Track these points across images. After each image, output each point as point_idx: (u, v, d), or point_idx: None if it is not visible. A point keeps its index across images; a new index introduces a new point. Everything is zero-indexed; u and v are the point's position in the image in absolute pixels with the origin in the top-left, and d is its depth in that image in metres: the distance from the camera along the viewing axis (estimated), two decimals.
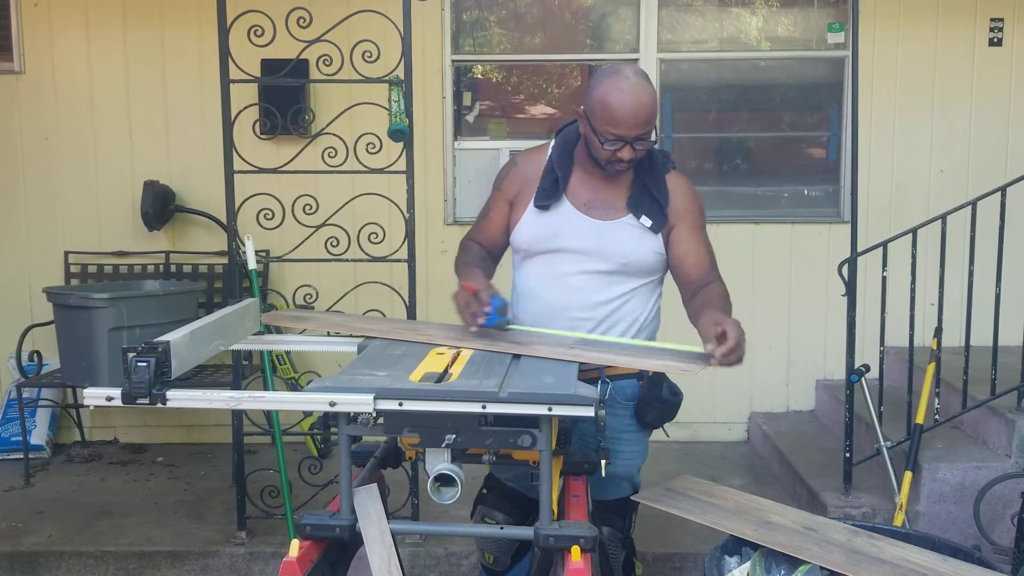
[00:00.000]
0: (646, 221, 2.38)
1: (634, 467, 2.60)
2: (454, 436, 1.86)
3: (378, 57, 3.47)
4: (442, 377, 1.95)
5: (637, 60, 4.84)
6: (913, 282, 3.68)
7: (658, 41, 4.85)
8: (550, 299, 2.44)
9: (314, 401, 1.82)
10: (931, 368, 3.71)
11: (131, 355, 1.79)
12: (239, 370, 3.75)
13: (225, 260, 4.73)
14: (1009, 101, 4.78)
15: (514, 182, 2.49)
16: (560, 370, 2.05)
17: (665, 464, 4.61)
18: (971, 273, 3.65)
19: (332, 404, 1.81)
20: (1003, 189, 3.62)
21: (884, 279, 3.71)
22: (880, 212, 4.67)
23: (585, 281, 2.41)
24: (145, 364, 1.78)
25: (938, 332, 3.75)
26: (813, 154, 5.12)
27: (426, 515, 3.61)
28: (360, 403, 1.81)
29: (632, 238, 2.39)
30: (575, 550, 1.87)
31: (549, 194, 2.41)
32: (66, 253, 4.84)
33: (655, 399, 2.47)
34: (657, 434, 4.83)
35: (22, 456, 4.42)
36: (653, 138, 2.31)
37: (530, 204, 2.44)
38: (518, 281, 2.55)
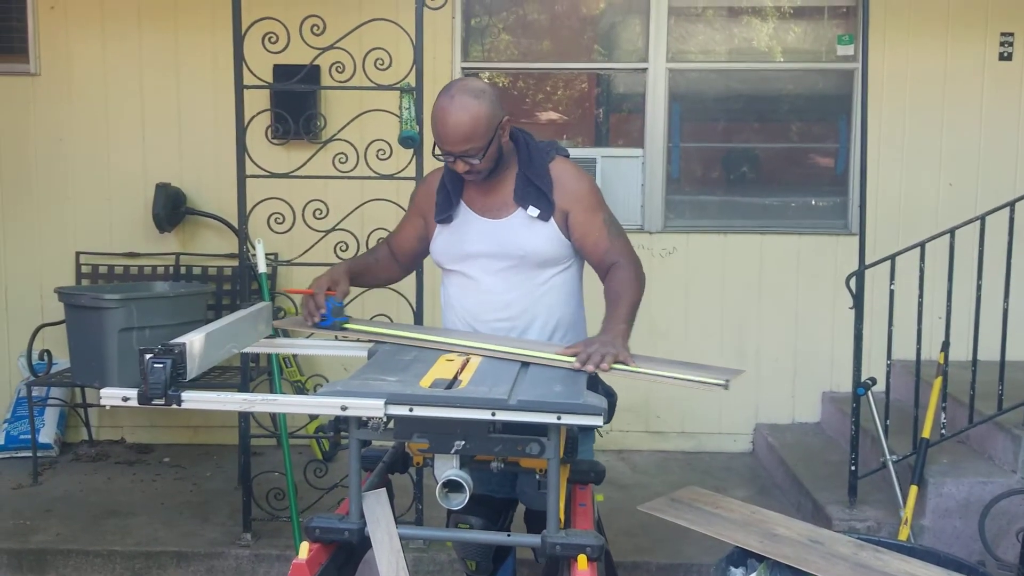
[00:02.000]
0: (533, 211, 2.42)
1: None
2: (463, 442, 1.87)
3: (390, 64, 3.49)
4: (452, 383, 1.97)
5: (646, 70, 4.87)
6: (921, 295, 3.69)
7: (667, 51, 4.87)
8: (468, 306, 2.50)
9: (326, 405, 1.84)
10: (938, 382, 3.71)
11: (148, 356, 1.81)
12: (247, 372, 3.78)
13: (234, 262, 4.77)
14: (1019, 115, 4.79)
15: (424, 199, 2.61)
16: (569, 378, 2.06)
17: (670, 474, 4.62)
18: (979, 287, 3.65)
19: (344, 408, 1.83)
20: (1012, 204, 3.63)
21: (892, 292, 3.71)
22: (888, 224, 4.67)
23: (493, 283, 2.46)
24: (161, 365, 1.80)
25: (945, 346, 3.75)
26: (821, 165, 5.13)
27: (430, 520, 3.62)
28: (371, 408, 1.83)
29: (525, 230, 2.43)
30: (582, 559, 1.88)
31: (444, 208, 2.51)
32: (77, 253, 4.87)
33: None
34: (666, 444, 4.86)
35: (31, 454, 4.45)
36: (482, 154, 2.30)
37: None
38: (442, 294, 2.62)
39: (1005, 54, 4.78)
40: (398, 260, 2.71)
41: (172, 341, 1.88)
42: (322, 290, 2.41)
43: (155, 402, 1.81)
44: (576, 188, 2.45)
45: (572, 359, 2.18)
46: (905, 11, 4.75)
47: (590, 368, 2.13)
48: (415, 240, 2.64)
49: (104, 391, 1.84)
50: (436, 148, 2.37)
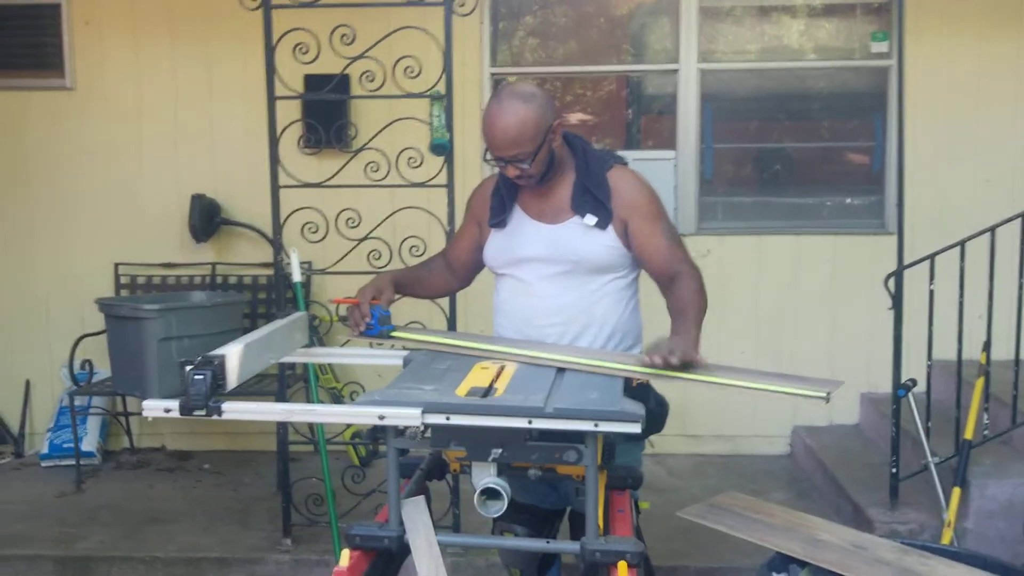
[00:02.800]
0: (591, 219, 2.40)
1: None
2: (500, 450, 1.87)
3: (419, 72, 3.51)
4: (488, 392, 1.97)
5: (677, 71, 4.85)
6: (961, 295, 3.63)
7: (698, 51, 4.85)
8: (517, 310, 2.49)
9: (364, 415, 1.85)
10: (980, 382, 3.65)
11: (188, 368, 1.84)
12: (284, 380, 3.81)
13: (268, 271, 4.80)
14: None
15: (479, 204, 2.61)
16: (606, 385, 2.05)
17: (707, 478, 4.59)
18: (1021, 286, 3.59)
19: (381, 417, 1.84)
20: None
21: (932, 292, 3.66)
22: (925, 223, 4.60)
23: (545, 287, 2.45)
24: (202, 377, 1.83)
25: (987, 346, 3.69)
26: (856, 164, 5.07)
27: (467, 525, 3.63)
28: (408, 417, 1.83)
29: (580, 237, 2.42)
30: (622, 566, 1.87)
31: (498, 212, 2.51)
32: (116, 264, 4.94)
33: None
34: (702, 447, 4.84)
35: (74, 462, 4.52)
36: (532, 158, 2.29)
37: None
38: (495, 298, 2.61)
39: None
40: (454, 271, 2.70)
41: (212, 353, 1.90)
42: (367, 299, 2.42)
43: (196, 413, 1.84)
44: (635, 197, 2.43)
45: (621, 365, 2.16)
46: (938, 7, 4.69)
47: (658, 361, 2.08)
48: (471, 250, 2.63)
49: (146, 403, 1.87)
50: (487, 153, 2.37)
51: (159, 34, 4.88)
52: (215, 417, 1.84)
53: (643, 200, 2.44)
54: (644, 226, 2.42)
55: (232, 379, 1.93)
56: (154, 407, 1.86)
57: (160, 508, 4.21)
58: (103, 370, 4.58)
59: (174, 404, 1.84)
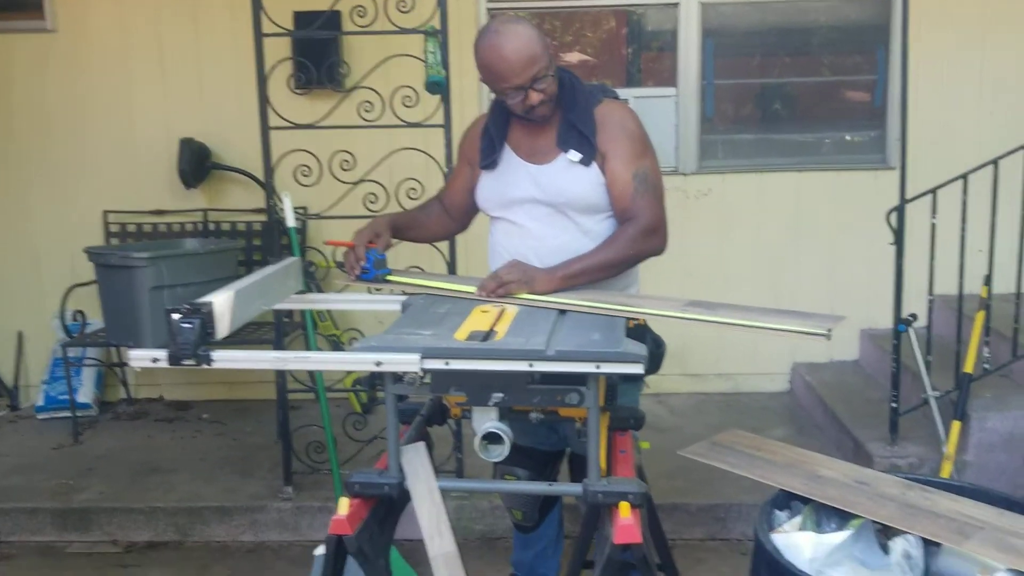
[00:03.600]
0: (574, 156, 2.35)
1: None
2: (501, 394, 1.84)
3: (412, 7, 3.41)
4: (488, 335, 1.93)
5: (677, 5, 4.72)
6: (963, 229, 3.59)
7: None
8: (513, 251, 2.44)
9: (360, 361, 1.81)
10: (980, 316, 3.63)
11: (175, 316, 1.79)
12: (281, 328, 3.77)
13: (262, 217, 4.74)
14: None
15: (470, 146, 2.56)
16: (607, 326, 2.02)
17: (708, 416, 4.60)
18: (1023, 218, 3.55)
19: (378, 364, 1.80)
20: None
21: (933, 226, 3.61)
22: (927, 157, 4.50)
23: (540, 227, 2.41)
24: (190, 326, 1.78)
25: (988, 280, 3.66)
26: (858, 99, 4.98)
27: (470, 468, 3.63)
28: (406, 363, 1.80)
29: (568, 175, 2.37)
30: (624, 506, 1.86)
31: (487, 153, 2.46)
32: (105, 212, 4.87)
33: None
34: (703, 386, 4.83)
35: (70, 414, 4.50)
36: (550, 72, 2.27)
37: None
38: (490, 241, 2.57)
39: None
40: (451, 214, 2.66)
41: (199, 300, 1.85)
42: (363, 243, 2.37)
43: (185, 362, 1.80)
44: (616, 133, 2.36)
45: (614, 306, 2.13)
46: None
47: (481, 294, 2.20)
48: (466, 192, 2.57)
49: (133, 353, 1.83)
50: (498, 93, 2.30)
51: None
52: (205, 367, 1.80)
53: (624, 136, 2.37)
54: (616, 164, 2.35)
55: (222, 327, 1.89)
56: (142, 357, 1.81)
57: (159, 458, 4.20)
58: (96, 320, 4.54)
59: (162, 354, 1.80)
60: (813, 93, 5.01)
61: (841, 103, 5.00)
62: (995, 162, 3.56)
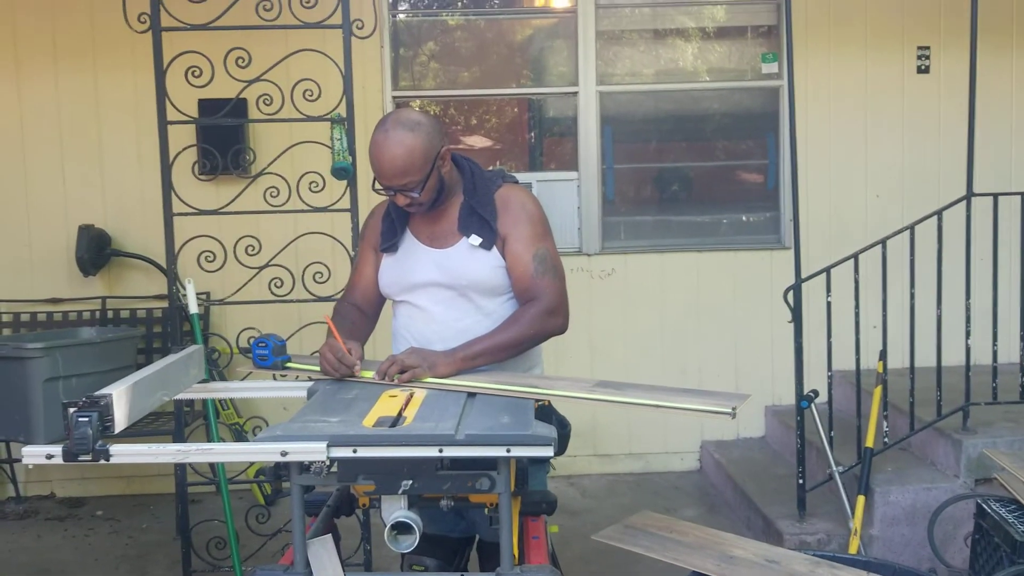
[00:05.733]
0: (475, 240, 2.38)
1: None
2: (411, 482, 1.80)
3: (319, 95, 3.43)
4: (396, 421, 1.90)
5: (576, 93, 4.89)
6: (857, 306, 3.73)
7: (596, 74, 4.91)
8: (417, 335, 2.44)
9: (265, 452, 1.76)
10: (878, 391, 3.76)
11: (71, 410, 1.71)
12: (181, 418, 3.64)
13: (164, 304, 4.62)
14: (939, 126, 4.92)
15: (372, 232, 2.54)
16: (516, 408, 2.01)
17: (620, 496, 4.60)
18: (912, 296, 3.71)
19: (284, 454, 1.75)
20: (939, 213, 3.71)
21: (829, 304, 3.75)
22: (819, 237, 4.75)
23: (443, 311, 2.41)
24: (87, 419, 1.70)
25: (883, 355, 3.80)
26: (752, 182, 5.20)
27: (379, 560, 3.52)
28: (313, 451, 1.75)
29: (470, 259, 2.39)
30: None
31: (388, 236, 2.46)
32: None
33: None
34: (615, 466, 4.83)
35: None
36: (421, 187, 2.27)
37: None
38: (393, 324, 2.56)
39: (923, 67, 4.92)
40: (363, 310, 2.56)
41: (97, 392, 1.78)
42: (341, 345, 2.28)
43: (82, 458, 1.71)
44: (517, 215, 2.40)
45: (522, 388, 2.13)
46: (825, 28, 4.87)
47: (376, 378, 2.19)
48: (374, 280, 2.52)
49: (26, 450, 1.73)
50: (375, 183, 2.31)
51: (42, 58, 4.68)
52: (102, 462, 1.72)
53: (524, 218, 2.40)
54: (517, 246, 2.38)
55: (120, 420, 1.81)
56: (35, 453, 1.72)
57: (50, 560, 3.96)
58: None
59: (57, 450, 1.71)
60: (709, 176, 5.21)
61: (736, 186, 5.21)
62: (883, 242, 3.73)
